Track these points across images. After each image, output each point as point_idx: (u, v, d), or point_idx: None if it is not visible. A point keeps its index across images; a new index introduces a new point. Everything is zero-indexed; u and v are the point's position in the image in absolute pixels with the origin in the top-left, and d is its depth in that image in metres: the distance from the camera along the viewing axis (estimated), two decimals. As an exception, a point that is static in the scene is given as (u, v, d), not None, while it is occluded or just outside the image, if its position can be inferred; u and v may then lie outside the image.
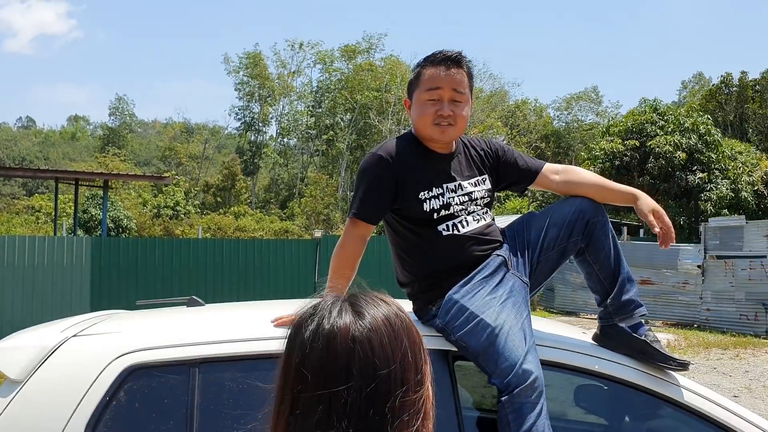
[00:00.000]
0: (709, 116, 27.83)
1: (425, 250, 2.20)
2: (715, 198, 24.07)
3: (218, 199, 45.27)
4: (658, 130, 24.24)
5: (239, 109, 60.46)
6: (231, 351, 2.07)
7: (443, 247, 2.18)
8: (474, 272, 2.13)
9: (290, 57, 60.78)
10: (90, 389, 1.97)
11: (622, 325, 2.20)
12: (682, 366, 2.14)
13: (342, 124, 57.78)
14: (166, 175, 29.42)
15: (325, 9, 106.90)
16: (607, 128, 26.73)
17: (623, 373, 2.15)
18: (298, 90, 61.95)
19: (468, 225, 2.22)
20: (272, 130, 63.94)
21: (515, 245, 2.23)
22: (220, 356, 2.05)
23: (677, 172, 23.84)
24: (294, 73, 60.96)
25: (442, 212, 2.19)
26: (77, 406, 1.95)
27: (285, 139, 63.74)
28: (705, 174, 24.08)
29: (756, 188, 25.25)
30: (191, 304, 2.63)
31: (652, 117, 24.82)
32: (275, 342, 2.08)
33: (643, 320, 2.23)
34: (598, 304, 2.27)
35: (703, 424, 2.09)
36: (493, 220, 2.33)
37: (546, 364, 2.03)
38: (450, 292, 2.08)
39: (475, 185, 2.30)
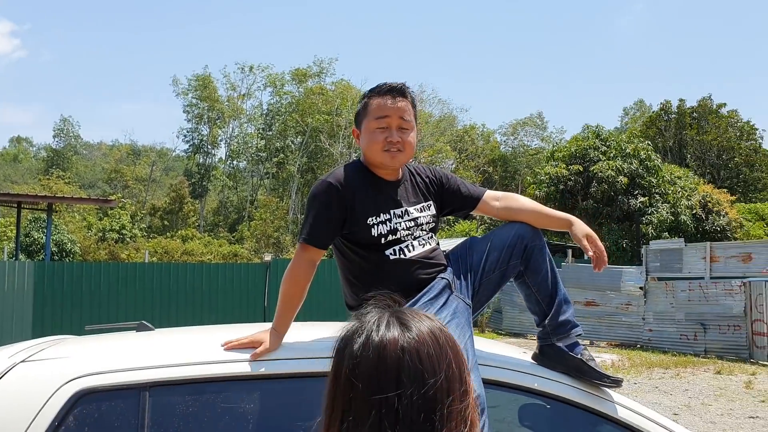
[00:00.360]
0: (649, 142, 28.81)
1: (373, 273, 2.27)
2: (655, 221, 24.85)
3: (165, 222, 44.59)
4: (600, 156, 24.97)
5: (188, 131, 59.96)
6: (181, 374, 2.10)
7: (390, 271, 2.26)
8: (419, 294, 2.22)
9: (240, 80, 60.65)
10: (38, 415, 1.98)
11: (560, 344, 2.31)
12: (616, 383, 2.26)
13: (293, 146, 57.72)
14: (112, 198, 28.89)
15: (275, 32, 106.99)
16: (552, 153, 27.39)
17: (561, 390, 2.25)
18: (248, 113, 61.79)
19: (414, 249, 2.31)
20: (221, 152, 63.52)
21: (458, 268, 2.33)
22: (170, 380, 2.08)
23: (619, 196, 24.55)
24: (244, 95, 60.83)
25: (390, 237, 2.28)
26: (27, 429, 1.96)
27: (234, 162, 63.34)
28: (646, 198, 24.85)
29: (694, 212, 26.15)
30: (141, 328, 2.64)
31: (594, 143, 25.57)
32: (224, 365, 2.14)
33: (579, 340, 2.35)
34: (536, 324, 2.38)
35: None
36: (438, 244, 2.43)
37: (488, 383, 2.12)
38: None
39: (421, 211, 2.40)
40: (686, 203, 26.01)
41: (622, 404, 2.28)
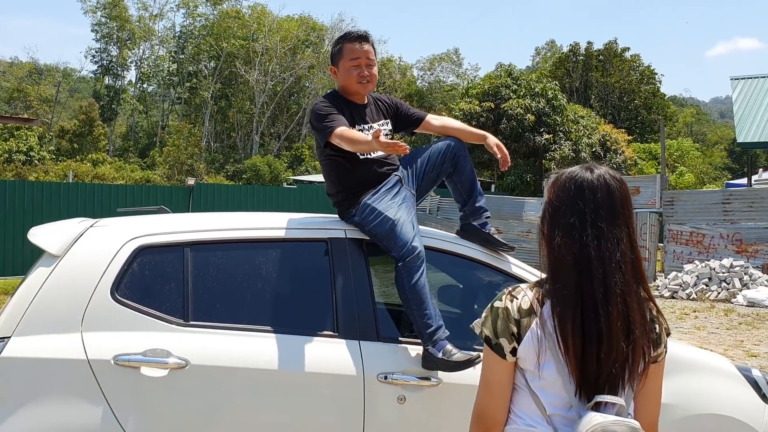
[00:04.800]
0: (557, 82, 30.35)
1: (348, 169, 3.15)
2: (558, 157, 26.58)
3: (75, 145, 43.33)
4: (511, 94, 26.27)
5: (96, 52, 57.57)
6: (212, 237, 2.96)
7: (359, 167, 3.15)
8: (380, 186, 3.13)
9: (152, -1, 58.33)
10: (111, 262, 2.79)
11: (475, 223, 3.27)
12: (511, 248, 3.26)
13: (206, 71, 56.51)
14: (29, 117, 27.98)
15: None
16: (467, 90, 28.50)
17: (473, 253, 3.23)
18: (160, 34, 59.76)
19: (376, 152, 3.18)
20: (131, 75, 61.44)
21: (407, 168, 3.25)
22: (203, 240, 2.93)
23: (526, 133, 26.05)
24: (156, 16, 58.67)
25: None
26: (103, 273, 2.77)
27: (145, 85, 61.46)
28: (550, 135, 26.47)
29: (594, 149, 28.05)
30: (161, 212, 3.43)
31: (506, 81, 26.81)
32: (243, 231, 2.99)
33: (488, 221, 3.31)
34: (459, 210, 3.34)
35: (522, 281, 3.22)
36: None
37: (427, 248, 3.08)
38: (364, 199, 3.07)
39: (381, 126, 3.30)
40: (587, 141, 27.84)
41: (514, 263, 3.29)
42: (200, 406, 2.71)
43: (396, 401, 2.84)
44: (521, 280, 3.15)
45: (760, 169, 19.52)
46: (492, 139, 3.35)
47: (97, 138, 44.51)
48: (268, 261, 3.04)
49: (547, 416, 1.73)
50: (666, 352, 1.81)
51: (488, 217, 3.31)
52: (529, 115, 25.58)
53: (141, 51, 59.67)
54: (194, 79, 56.35)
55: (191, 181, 18.35)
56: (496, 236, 3.25)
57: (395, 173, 3.21)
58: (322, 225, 3.14)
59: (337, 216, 3.22)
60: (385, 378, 2.83)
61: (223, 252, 2.98)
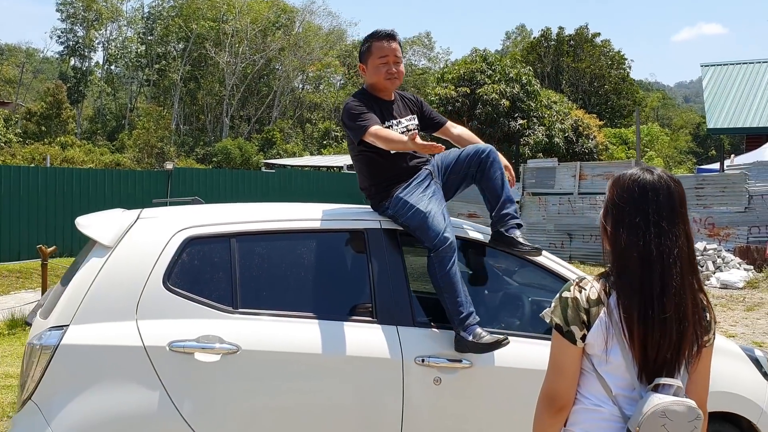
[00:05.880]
0: (530, 68, 30.63)
1: (381, 163, 3.29)
2: (532, 142, 26.94)
3: (42, 128, 42.51)
4: (486, 79, 26.47)
5: (62, 32, 56.40)
6: (255, 228, 3.08)
7: (391, 161, 3.29)
8: (411, 179, 3.27)
9: (119, -21, 57.21)
10: (162, 252, 2.90)
11: (501, 229, 3.31)
12: (537, 251, 3.34)
13: (175, 53, 55.75)
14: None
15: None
16: (443, 75, 28.62)
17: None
18: (127, 15, 58.73)
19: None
20: (99, 56, 60.34)
21: (437, 165, 3.40)
22: (248, 231, 3.06)
23: (501, 119, 26.31)
24: (123, -4, 57.58)
25: None
26: (155, 263, 2.88)
27: (113, 67, 60.43)
28: (525, 121, 26.77)
29: (567, 135, 28.47)
30: (194, 202, 3.54)
31: (481, 66, 27.00)
32: (286, 223, 3.11)
33: (515, 226, 3.31)
34: (489, 216, 3.42)
35: (553, 277, 3.39)
36: None
37: (460, 238, 3.25)
38: (396, 192, 3.22)
39: (409, 121, 3.46)
40: (560, 126, 28.23)
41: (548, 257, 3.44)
42: (251, 389, 2.85)
43: (432, 383, 3.01)
44: (554, 274, 3.33)
45: (732, 155, 20.06)
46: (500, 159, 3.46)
47: (65, 121, 43.75)
48: (309, 251, 3.18)
49: (612, 396, 1.91)
50: (714, 337, 2.00)
51: (518, 224, 3.34)
52: (504, 100, 25.83)
53: (108, 32, 58.69)
54: (163, 61, 55.57)
55: (170, 166, 18.24)
56: (520, 239, 3.29)
57: (426, 167, 3.36)
58: (359, 216, 3.28)
59: (369, 207, 3.37)
60: (423, 361, 3.00)
61: (267, 242, 3.11)
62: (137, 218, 3.00)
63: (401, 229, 3.23)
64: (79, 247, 15.66)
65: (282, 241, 3.15)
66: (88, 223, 3.10)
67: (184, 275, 2.91)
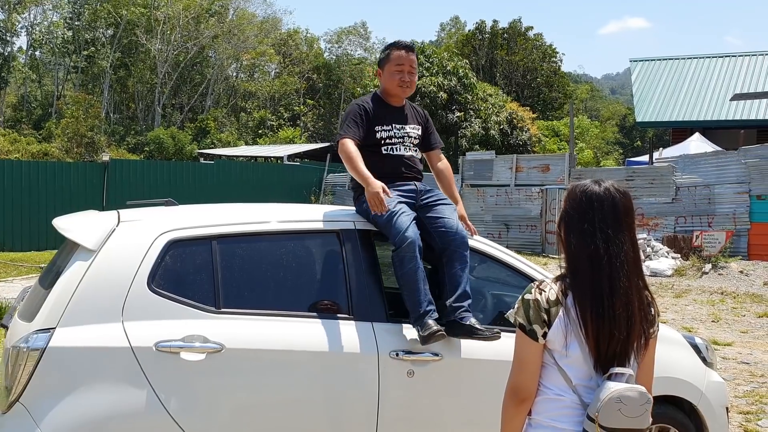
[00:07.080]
0: (467, 61, 31.12)
1: (373, 163, 3.43)
2: (469, 134, 27.45)
3: (-37, 116, 40.71)
4: (424, 71, 26.78)
5: (-19, 15, 53.86)
6: (235, 230, 3.18)
7: (382, 161, 3.49)
8: (395, 182, 3.46)
9: (43, -39, 55.00)
10: (146, 255, 2.98)
11: (456, 319, 3.19)
12: (496, 335, 3.20)
13: (104, 39, 54.09)
14: None
15: None
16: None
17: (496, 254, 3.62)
18: (52, -1, 56.55)
19: (399, 151, 3.56)
20: (22, 41, 57.96)
21: (420, 193, 3.52)
22: (228, 233, 3.16)
23: (439, 111, 26.70)
24: (48, -21, 55.43)
25: (386, 141, 3.55)
26: (139, 265, 2.96)
27: (37, 53, 58.16)
28: (462, 113, 27.25)
29: (502, 127, 29.11)
30: (168, 204, 3.60)
31: (419, 59, 27.28)
32: (264, 225, 3.23)
33: (468, 313, 3.25)
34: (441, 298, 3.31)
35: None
36: (418, 154, 3.69)
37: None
38: None
39: (412, 129, 3.67)
40: (495, 119, 28.84)
41: (520, 260, 3.66)
42: (235, 385, 2.97)
43: (406, 375, 3.18)
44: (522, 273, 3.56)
45: (661, 148, 20.93)
46: (461, 209, 3.66)
47: (-13, 108, 41.91)
48: (288, 252, 3.30)
49: (573, 386, 2.13)
50: (658, 329, 2.24)
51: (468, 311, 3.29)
52: (441, 92, 26.22)
53: (32, 16, 56.32)
54: (91, 48, 53.79)
55: (106, 158, 17.84)
56: (477, 326, 3.24)
57: (415, 182, 3.58)
58: (335, 217, 3.42)
59: (346, 208, 3.52)
60: (397, 355, 3.17)
61: (248, 244, 3.21)
62: (119, 221, 3.06)
63: (375, 229, 3.39)
64: (3, 242, 15.15)
65: (262, 243, 3.25)
66: (68, 227, 3.14)
67: (168, 277, 2.99)
